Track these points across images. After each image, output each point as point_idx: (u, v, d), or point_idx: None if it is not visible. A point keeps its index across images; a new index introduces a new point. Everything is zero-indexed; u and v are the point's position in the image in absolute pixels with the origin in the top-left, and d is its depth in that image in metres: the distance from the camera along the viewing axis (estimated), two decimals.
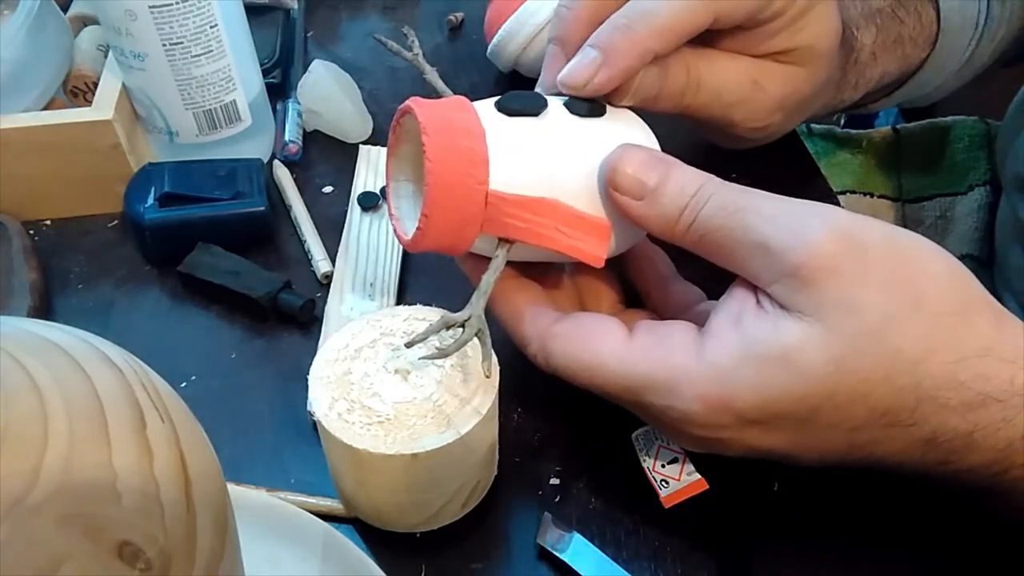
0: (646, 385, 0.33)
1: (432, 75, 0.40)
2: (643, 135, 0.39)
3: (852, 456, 0.33)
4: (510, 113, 0.36)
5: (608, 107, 0.38)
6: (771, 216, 0.32)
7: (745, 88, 0.43)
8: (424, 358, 0.35)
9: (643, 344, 0.34)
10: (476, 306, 0.35)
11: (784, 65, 0.43)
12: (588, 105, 0.37)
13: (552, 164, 0.35)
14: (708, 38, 0.42)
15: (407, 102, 0.35)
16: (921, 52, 0.54)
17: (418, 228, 0.35)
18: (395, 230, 0.38)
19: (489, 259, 0.36)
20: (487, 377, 0.35)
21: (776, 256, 0.32)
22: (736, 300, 0.33)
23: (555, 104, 0.37)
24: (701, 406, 0.32)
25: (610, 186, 0.35)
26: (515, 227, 0.35)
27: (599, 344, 0.35)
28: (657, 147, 0.38)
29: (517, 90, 0.37)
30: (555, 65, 0.39)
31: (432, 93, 0.39)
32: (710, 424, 0.33)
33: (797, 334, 0.31)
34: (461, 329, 0.35)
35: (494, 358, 0.35)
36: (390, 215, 0.39)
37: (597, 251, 0.36)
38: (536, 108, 0.36)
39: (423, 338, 0.35)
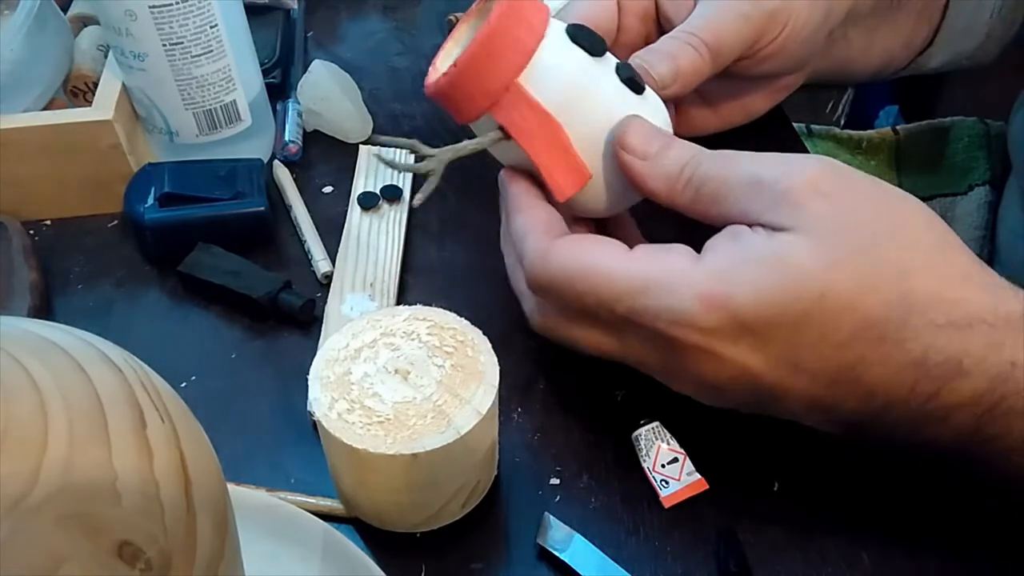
0: (644, 286, 0.34)
1: None
2: (664, 123, 0.41)
3: (841, 388, 0.33)
4: (573, 39, 0.39)
5: (647, 90, 0.41)
6: (763, 158, 0.35)
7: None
8: (378, 156, 0.42)
9: (643, 252, 0.36)
10: (443, 153, 0.39)
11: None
12: (630, 76, 0.40)
13: (577, 100, 0.38)
14: None
15: None
16: None
17: (445, 73, 0.38)
18: (427, 77, 0.41)
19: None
20: (413, 205, 0.40)
21: (768, 185, 0.34)
22: (733, 227, 0.35)
23: (609, 58, 0.40)
24: (699, 304, 0.33)
25: (617, 144, 0.38)
26: (516, 124, 0.38)
27: (599, 251, 0.36)
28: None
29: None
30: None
31: None
32: (706, 327, 0.33)
33: (790, 241, 0.33)
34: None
35: (426, 195, 0.39)
36: (432, 65, 0.41)
37: (566, 187, 0.39)
38: (595, 49, 0.39)
39: (389, 144, 0.41)
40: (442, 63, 0.41)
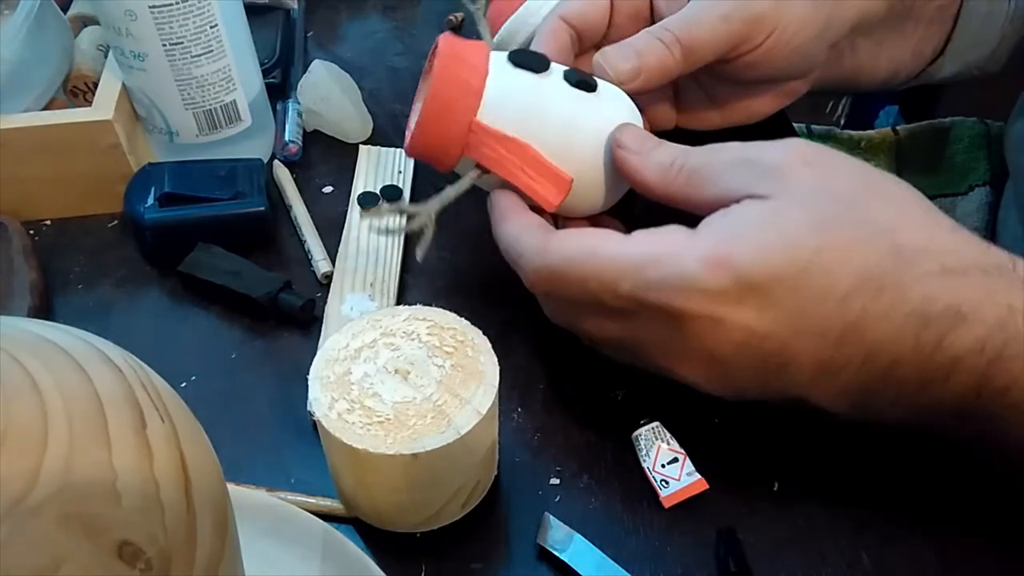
0: (646, 261, 0.35)
1: (483, 28, 0.44)
2: (629, 112, 0.42)
3: (846, 348, 0.33)
4: (516, 64, 0.41)
5: (600, 85, 0.42)
6: (750, 143, 0.37)
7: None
8: (369, 218, 0.45)
9: (640, 235, 0.37)
10: (430, 206, 0.41)
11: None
12: (579, 79, 0.41)
13: (535, 116, 0.40)
14: None
15: (441, 35, 0.41)
16: None
17: (412, 134, 0.41)
18: (404, 139, 0.43)
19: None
20: (419, 261, 0.41)
21: (756, 162, 0.36)
22: (724, 207, 0.36)
23: (556, 69, 0.42)
24: (703, 267, 0.33)
25: (614, 146, 0.40)
26: (488, 156, 0.40)
27: (598, 237, 0.37)
28: (642, 124, 0.42)
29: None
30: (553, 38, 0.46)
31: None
32: (712, 289, 0.33)
33: (781, 205, 0.34)
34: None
35: (426, 248, 0.41)
36: (407, 127, 0.44)
37: (550, 197, 0.40)
38: (538, 66, 0.41)
39: (378, 212, 0.43)
40: (412, 123, 0.42)
